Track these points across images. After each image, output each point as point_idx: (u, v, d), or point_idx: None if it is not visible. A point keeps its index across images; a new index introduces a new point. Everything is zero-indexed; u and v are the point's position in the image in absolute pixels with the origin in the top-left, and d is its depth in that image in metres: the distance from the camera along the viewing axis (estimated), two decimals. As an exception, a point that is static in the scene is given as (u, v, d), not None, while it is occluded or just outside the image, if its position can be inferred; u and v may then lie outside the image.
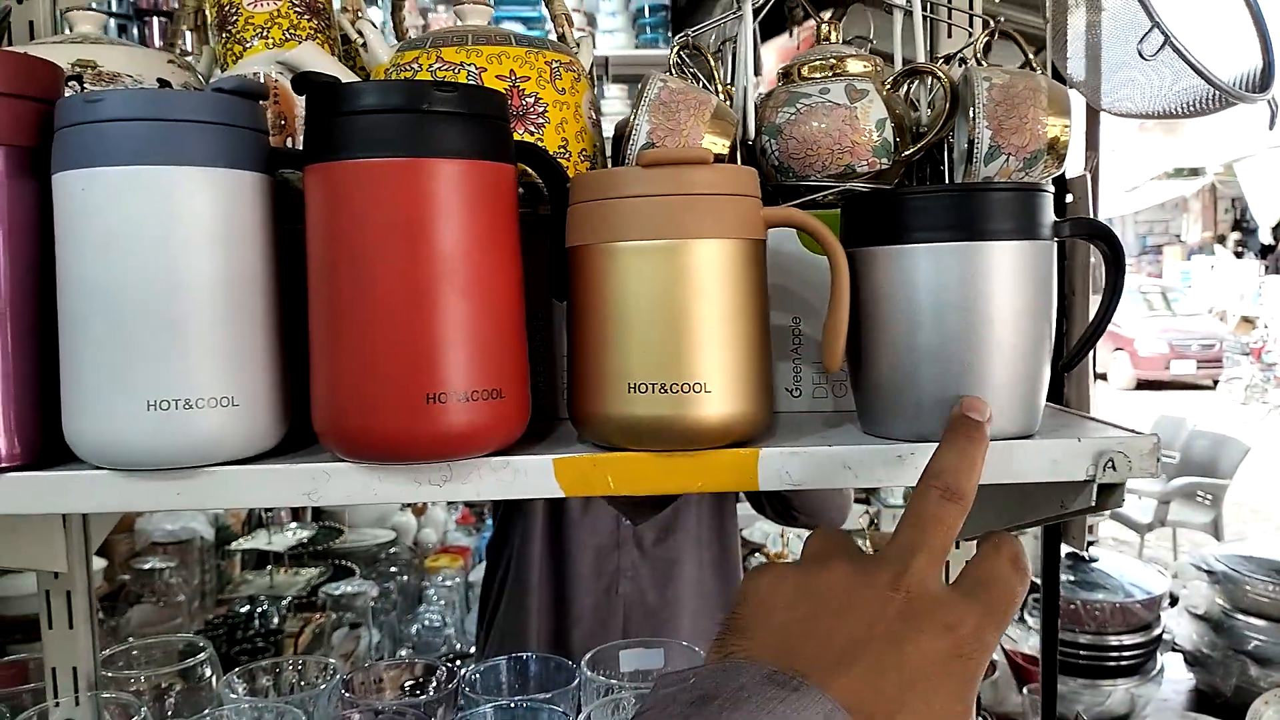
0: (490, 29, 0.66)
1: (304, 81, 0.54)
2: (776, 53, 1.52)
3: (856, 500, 4.10)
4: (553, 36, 0.72)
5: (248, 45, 0.67)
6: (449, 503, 3.60)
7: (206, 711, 0.84)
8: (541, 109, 0.64)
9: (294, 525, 3.01)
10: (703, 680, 0.41)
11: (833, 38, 0.73)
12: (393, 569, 3.11)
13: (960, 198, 0.58)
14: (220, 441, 0.55)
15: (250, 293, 0.56)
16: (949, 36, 0.81)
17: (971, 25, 0.81)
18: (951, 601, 0.44)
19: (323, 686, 0.85)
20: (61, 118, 0.54)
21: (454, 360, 0.53)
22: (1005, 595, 0.45)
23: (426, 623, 2.90)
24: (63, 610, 0.82)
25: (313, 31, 0.68)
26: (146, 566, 2.43)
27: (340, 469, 0.56)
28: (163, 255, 0.53)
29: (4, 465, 0.56)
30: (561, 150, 0.65)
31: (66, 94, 0.59)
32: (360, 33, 0.66)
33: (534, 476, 0.56)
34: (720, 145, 0.65)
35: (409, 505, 3.49)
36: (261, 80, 0.64)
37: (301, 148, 0.56)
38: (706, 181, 0.55)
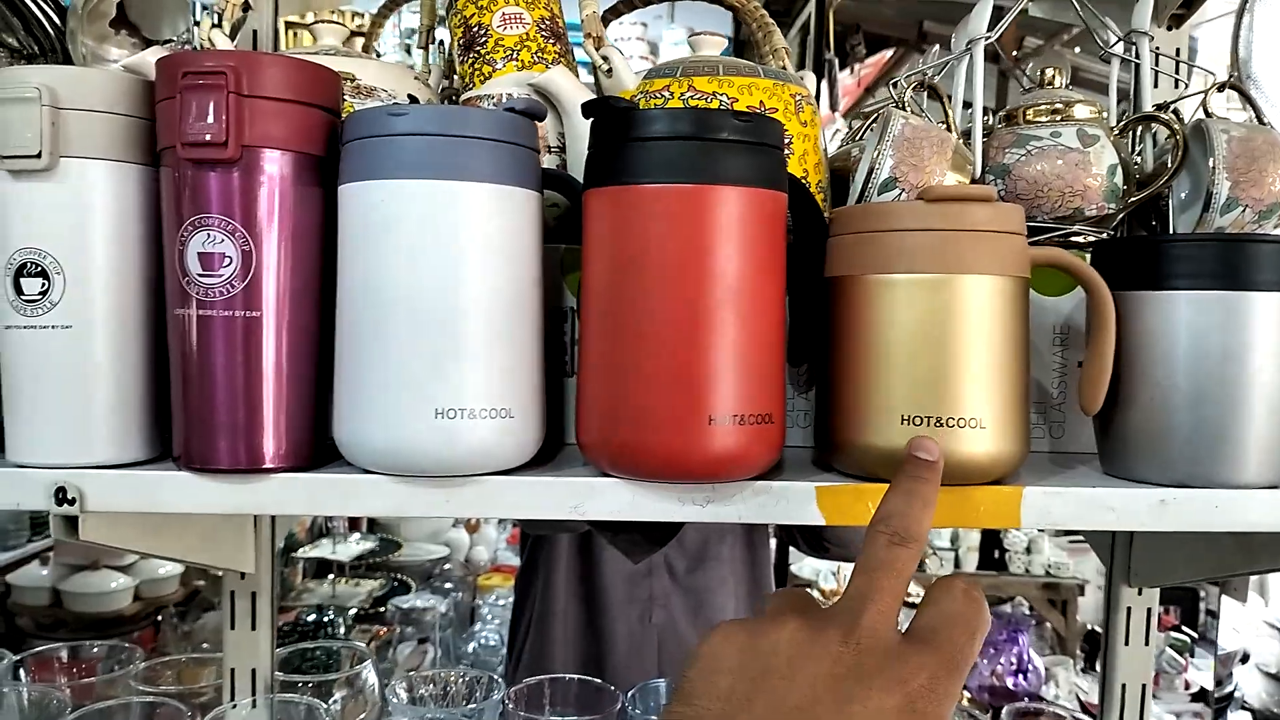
0: (736, 60, 0.67)
1: (599, 106, 0.56)
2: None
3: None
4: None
5: (497, 66, 0.68)
6: (499, 521, 3.60)
7: None
8: (788, 140, 0.66)
9: (356, 536, 3.02)
10: None
11: (1057, 81, 0.74)
12: (447, 585, 3.11)
13: (1228, 247, 0.58)
14: (492, 452, 0.56)
15: (526, 308, 0.57)
16: (1155, 86, 0.82)
17: (1181, 74, 0.81)
18: (904, 653, 0.43)
19: (495, 697, 0.86)
20: (359, 129, 0.56)
21: (734, 384, 0.54)
22: (961, 637, 0.44)
23: (483, 641, 2.90)
24: (247, 612, 0.83)
25: (557, 56, 0.69)
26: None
27: (606, 484, 0.57)
28: (455, 268, 0.55)
29: (272, 467, 0.57)
30: (803, 182, 0.66)
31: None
32: (605, 59, 0.68)
33: (795, 502, 0.57)
34: (958, 184, 0.66)
35: (463, 522, 3.50)
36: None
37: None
38: (984, 218, 0.56)
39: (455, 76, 0.71)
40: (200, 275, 0.55)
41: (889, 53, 3.66)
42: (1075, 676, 3.02)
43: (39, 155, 0.55)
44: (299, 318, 0.57)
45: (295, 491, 0.57)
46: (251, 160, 0.55)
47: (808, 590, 0.50)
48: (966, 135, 0.71)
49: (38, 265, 0.56)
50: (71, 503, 0.57)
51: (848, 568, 3.26)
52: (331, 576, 2.85)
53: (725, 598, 1.45)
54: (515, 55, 0.68)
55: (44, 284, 0.56)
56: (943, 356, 0.55)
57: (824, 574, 3.53)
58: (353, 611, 2.56)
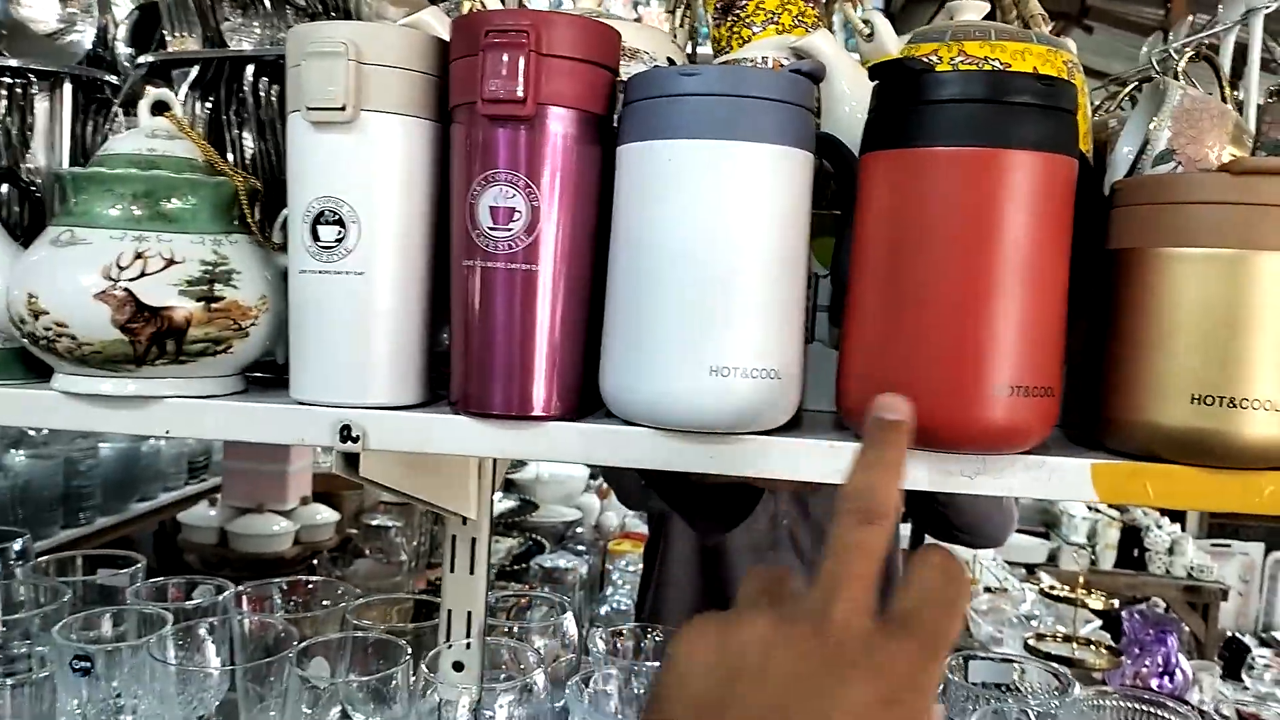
0: (1005, 25, 0.66)
1: (891, 67, 0.55)
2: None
3: (1036, 534, 3.96)
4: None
5: (755, 30, 0.68)
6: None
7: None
8: (1059, 109, 0.64)
9: (499, 496, 3.10)
10: None
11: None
12: (579, 548, 3.16)
13: None
14: (760, 412, 0.56)
15: (797, 270, 0.57)
16: None
17: None
18: (880, 642, 0.41)
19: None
20: (647, 89, 0.56)
21: (1018, 355, 0.53)
22: (941, 617, 0.42)
23: (614, 605, 2.94)
24: (466, 555, 0.86)
25: (816, 19, 0.69)
26: (374, 523, 2.54)
27: (875, 450, 0.56)
28: (735, 227, 0.55)
29: (543, 415, 0.59)
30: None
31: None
32: (867, 22, 0.67)
33: (1069, 479, 0.56)
34: (1246, 158, 0.63)
35: (595, 488, 3.55)
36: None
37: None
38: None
39: (709, 40, 0.72)
40: (491, 229, 0.57)
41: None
42: (1219, 683, 2.90)
43: (343, 108, 0.57)
44: (577, 273, 0.59)
45: (568, 440, 0.59)
46: (545, 118, 0.57)
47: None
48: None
49: (335, 213, 0.59)
50: (355, 440, 0.60)
51: (985, 555, 3.20)
52: (473, 534, 2.94)
53: None
54: (776, 19, 0.68)
55: (340, 231, 0.59)
56: (1239, 335, 0.53)
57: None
58: (494, 569, 2.63)
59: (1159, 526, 3.78)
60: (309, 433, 0.60)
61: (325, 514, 2.49)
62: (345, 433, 0.60)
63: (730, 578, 1.41)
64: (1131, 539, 3.87)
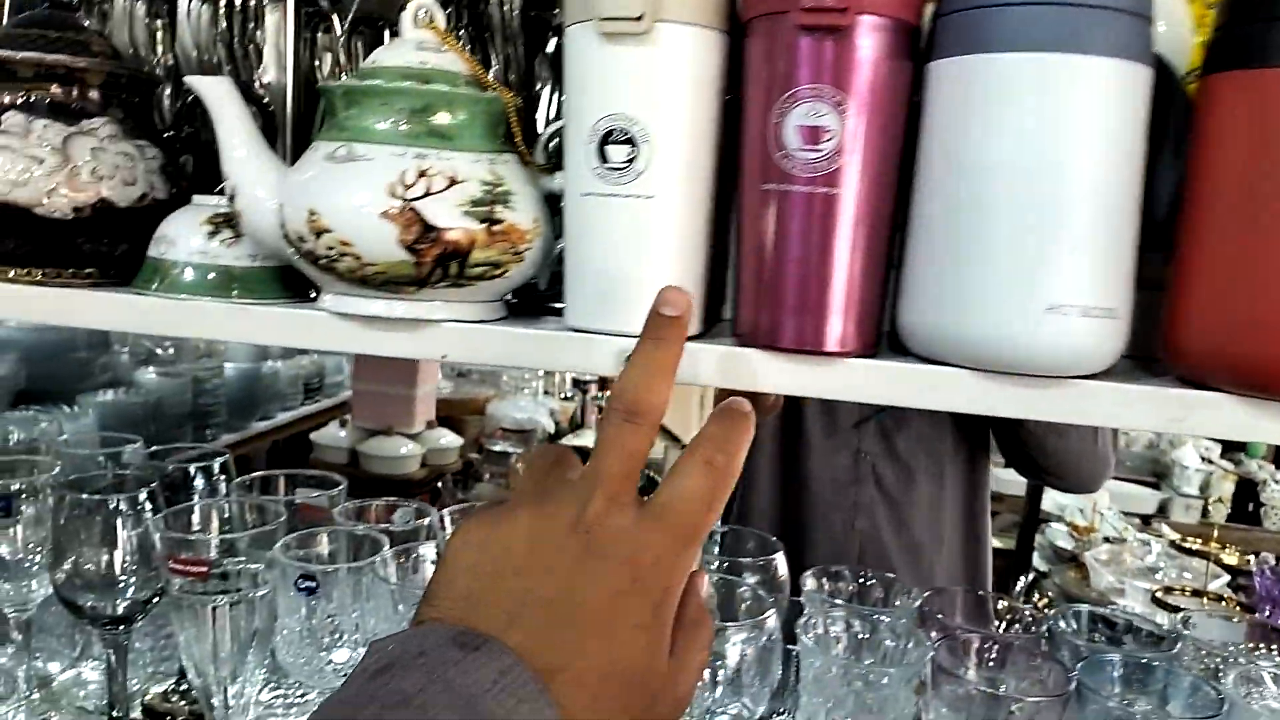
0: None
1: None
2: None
3: (1146, 484, 3.84)
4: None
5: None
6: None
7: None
8: None
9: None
10: (394, 646, 0.40)
11: None
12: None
13: None
14: (1092, 353, 0.52)
15: (1135, 197, 0.53)
16: None
17: None
18: (632, 531, 0.44)
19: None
20: (971, -2, 0.52)
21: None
22: (695, 510, 0.45)
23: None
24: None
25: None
26: (496, 448, 2.57)
27: (1214, 399, 0.52)
28: (1079, 152, 0.50)
29: (839, 350, 0.55)
30: None
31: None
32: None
33: None
34: None
35: (703, 423, 3.54)
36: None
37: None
38: None
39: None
40: (799, 150, 0.53)
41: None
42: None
43: (639, 18, 0.54)
44: (881, 199, 0.55)
45: (869, 378, 0.55)
46: (860, 28, 0.52)
47: (565, 449, 0.52)
48: None
49: (626, 133, 0.55)
50: (642, 372, 0.57)
51: (1103, 503, 3.12)
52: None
53: (932, 513, 1.39)
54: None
55: (630, 152, 0.56)
56: None
57: (1070, 509, 3.39)
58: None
59: (1276, 481, 3.64)
60: (592, 360, 0.58)
61: (449, 438, 2.51)
62: (631, 363, 0.57)
63: (812, 512, 1.39)
64: (1247, 492, 3.74)
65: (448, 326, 0.60)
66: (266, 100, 0.74)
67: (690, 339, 0.59)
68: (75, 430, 2.00)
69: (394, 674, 0.39)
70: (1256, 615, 1.95)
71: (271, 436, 3.11)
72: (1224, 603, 2.06)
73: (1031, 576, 2.90)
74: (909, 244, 0.56)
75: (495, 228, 0.57)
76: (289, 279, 0.65)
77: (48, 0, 0.69)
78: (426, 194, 0.56)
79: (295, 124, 0.76)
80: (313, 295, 0.64)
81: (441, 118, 0.58)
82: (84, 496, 0.87)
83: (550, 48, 0.73)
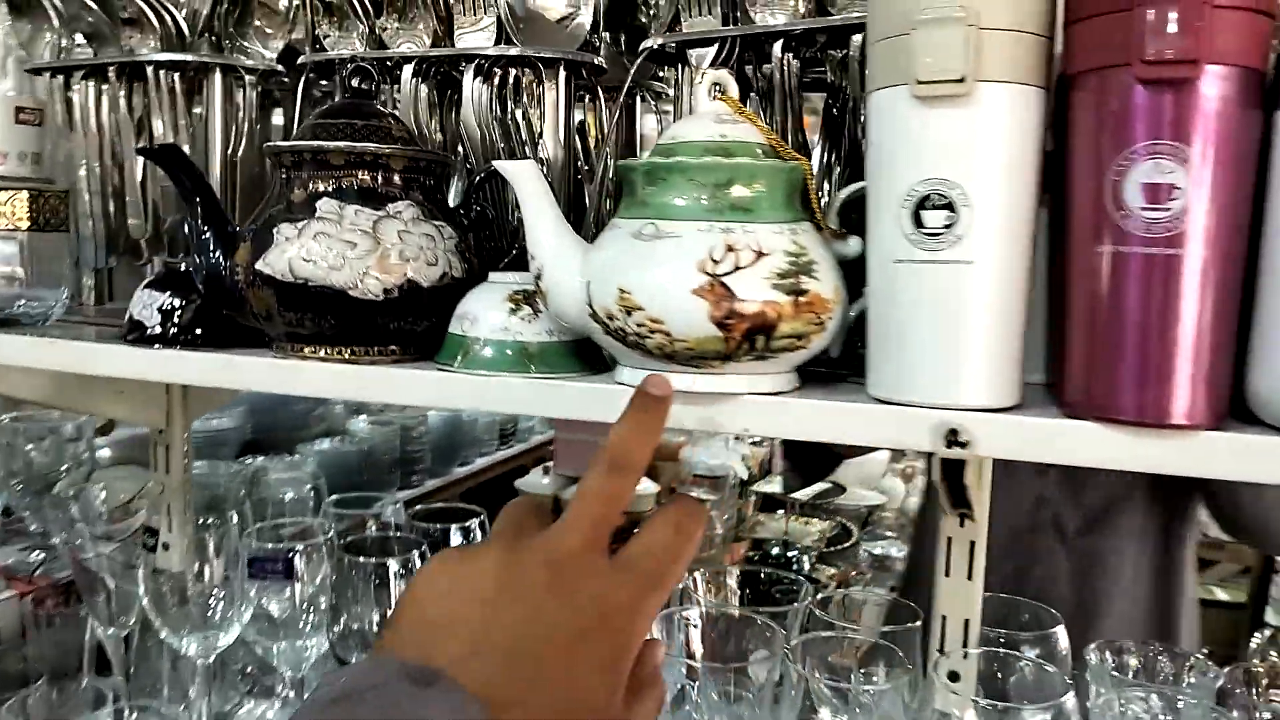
0: None
1: None
2: None
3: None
4: None
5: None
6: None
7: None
8: None
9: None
10: (347, 678, 0.40)
11: None
12: (886, 532, 3.07)
13: None
14: None
15: None
16: None
17: None
18: (602, 573, 0.45)
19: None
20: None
21: None
22: (663, 562, 0.47)
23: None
24: (964, 558, 0.80)
25: None
26: (690, 495, 2.56)
27: None
28: None
29: (1186, 424, 0.51)
30: None
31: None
32: None
33: None
34: None
35: (898, 470, 3.44)
36: None
37: None
38: None
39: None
40: (1141, 209, 0.50)
41: None
42: None
43: (961, 80, 0.52)
44: (1231, 258, 0.51)
45: (1221, 452, 0.51)
46: (1207, 78, 0.49)
47: (542, 500, 0.62)
48: None
49: (944, 197, 0.53)
50: (963, 445, 0.55)
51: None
52: (782, 513, 2.91)
53: (1123, 567, 1.29)
54: None
55: (949, 217, 0.54)
56: None
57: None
58: (813, 550, 2.59)
59: None
60: (905, 435, 0.56)
61: (646, 484, 2.52)
62: (952, 437, 0.55)
63: (990, 559, 1.29)
64: None
65: (748, 400, 0.59)
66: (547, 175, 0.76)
67: (1006, 410, 0.56)
68: (295, 478, 2.11)
69: (348, 705, 0.39)
70: None
71: (469, 482, 3.23)
72: None
73: (1269, 633, 2.66)
74: (1260, 305, 0.51)
75: (801, 299, 0.56)
76: (583, 353, 0.66)
77: (349, 90, 0.73)
78: (735, 269, 0.56)
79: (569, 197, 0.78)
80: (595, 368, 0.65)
81: (743, 190, 0.58)
82: (361, 560, 0.91)
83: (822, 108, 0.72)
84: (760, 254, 0.56)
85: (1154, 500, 1.30)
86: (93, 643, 1.07)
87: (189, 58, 0.86)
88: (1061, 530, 1.31)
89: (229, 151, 0.88)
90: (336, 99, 0.76)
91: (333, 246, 0.66)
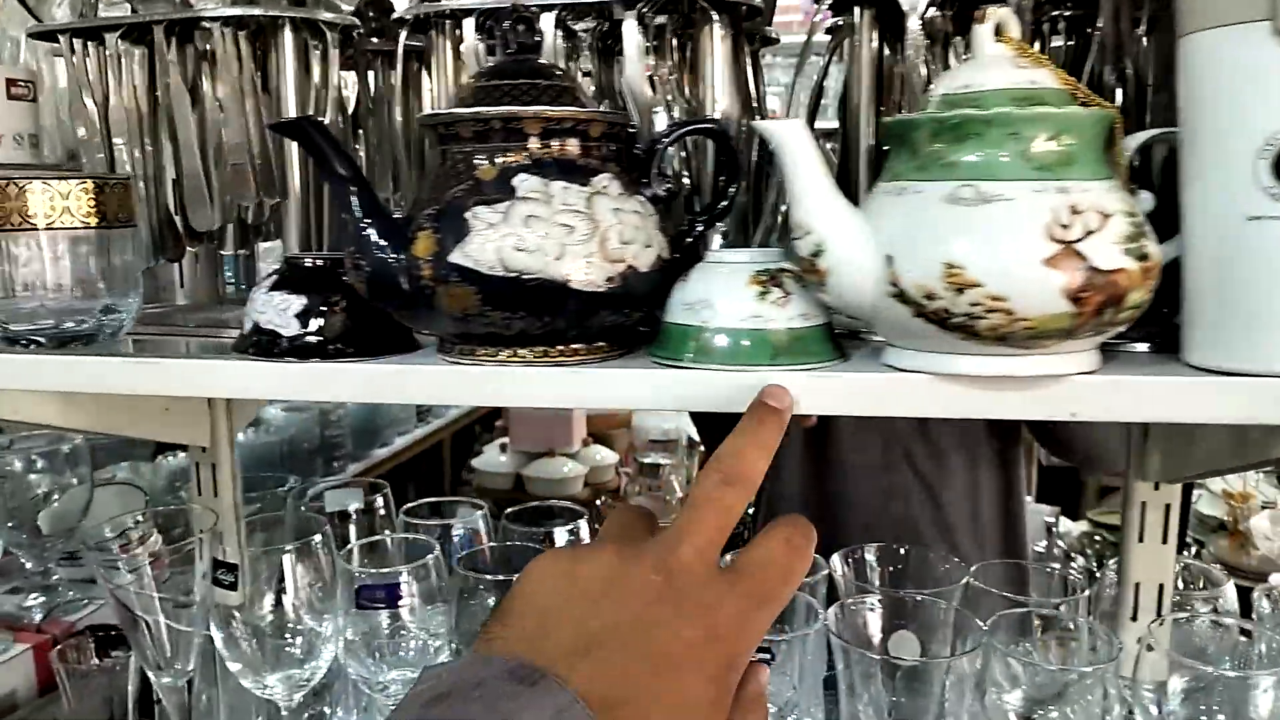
0: None
1: None
2: None
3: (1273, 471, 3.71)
4: None
5: None
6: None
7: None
8: None
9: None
10: (450, 675, 0.40)
11: None
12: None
13: None
14: None
15: None
16: None
17: None
18: (714, 584, 0.44)
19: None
20: None
21: None
22: (774, 578, 0.47)
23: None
24: (1159, 522, 0.77)
25: None
26: (647, 461, 2.51)
27: None
28: None
29: None
30: None
31: None
32: None
33: None
34: None
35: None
36: None
37: None
38: None
39: None
40: None
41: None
42: None
43: (1351, 11, 0.46)
44: None
45: None
46: None
47: (650, 511, 0.54)
48: None
49: (1316, 144, 0.48)
50: (1331, 418, 0.50)
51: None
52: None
53: (971, 491, 1.38)
54: None
55: (1321, 166, 0.48)
56: None
57: (1213, 473, 3.28)
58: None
59: None
60: (1255, 408, 0.51)
61: (605, 454, 2.46)
62: (1320, 409, 0.50)
63: (844, 496, 1.38)
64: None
65: (1077, 381, 0.53)
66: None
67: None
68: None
69: (450, 703, 0.39)
70: None
71: (390, 463, 3.08)
72: None
73: (1194, 550, 2.82)
74: None
75: (1146, 264, 0.50)
76: (832, 336, 0.59)
77: (512, 47, 0.62)
78: (1086, 233, 0.49)
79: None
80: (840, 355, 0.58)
81: (1068, 143, 0.51)
82: (489, 578, 0.81)
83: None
84: (1105, 215, 0.50)
85: (989, 427, 1.38)
86: (135, 694, 0.93)
87: (258, 11, 0.73)
88: (914, 465, 1.37)
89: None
90: (494, 55, 0.64)
91: (549, 232, 0.55)
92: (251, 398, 0.62)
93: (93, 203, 0.65)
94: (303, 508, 0.97)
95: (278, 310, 0.62)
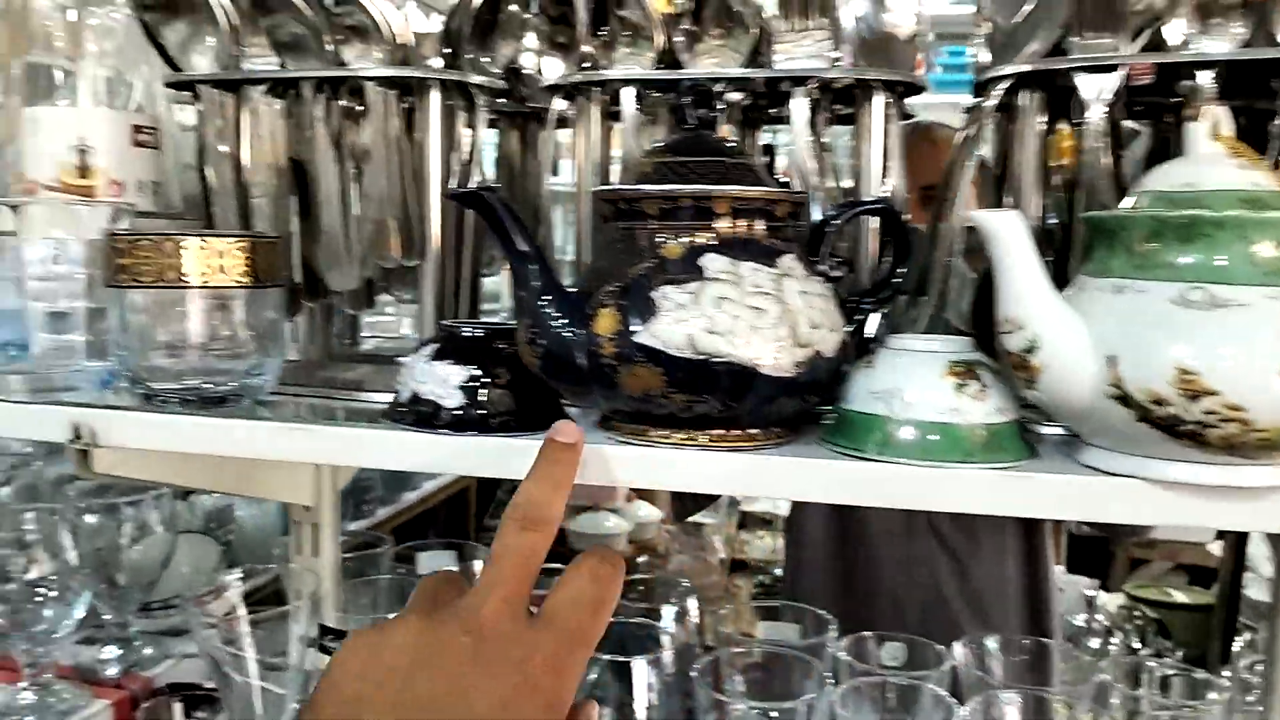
0: None
1: None
2: None
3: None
4: None
5: None
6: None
7: None
8: None
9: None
10: None
11: None
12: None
13: None
14: None
15: None
16: None
17: None
18: (524, 635, 0.44)
19: None
20: None
21: None
22: (585, 615, 0.46)
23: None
24: None
25: None
26: (689, 520, 2.48)
27: None
28: None
29: None
30: None
31: None
32: None
33: None
34: None
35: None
36: None
37: None
38: None
39: None
40: None
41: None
42: None
43: None
44: None
45: None
46: None
47: (455, 573, 0.52)
48: None
49: None
50: None
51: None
52: (764, 532, 2.85)
53: (994, 555, 1.36)
54: None
55: None
56: None
57: (1253, 557, 3.24)
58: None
59: None
60: None
61: (649, 510, 2.42)
62: None
63: (869, 564, 1.36)
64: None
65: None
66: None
67: None
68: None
69: None
70: None
71: (421, 506, 3.05)
72: None
73: (1248, 637, 2.75)
74: None
75: (1371, 374, 0.48)
76: (1024, 434, 0.57)
77: (689, 123, 0.60)
78: (1322, 342, 0.47)
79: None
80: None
81: (1285, 248, 0.49)
82: (603, 657, 0.78)
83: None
84: (1337, 324, 0.48)
85: None
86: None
87: (412, 73, 0.72)
88: (937, 530, 1.35)
89: (447, 186, 0.74)
90: (671, 132, 0.63)
91: (740, 314, 0.54)
92: (411, 469, 0.59)
93: (248, 262, 0.64)
94: (400, 569, 0.95)
95: (439, 381, 0.60)
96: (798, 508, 1.50)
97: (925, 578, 1.36)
